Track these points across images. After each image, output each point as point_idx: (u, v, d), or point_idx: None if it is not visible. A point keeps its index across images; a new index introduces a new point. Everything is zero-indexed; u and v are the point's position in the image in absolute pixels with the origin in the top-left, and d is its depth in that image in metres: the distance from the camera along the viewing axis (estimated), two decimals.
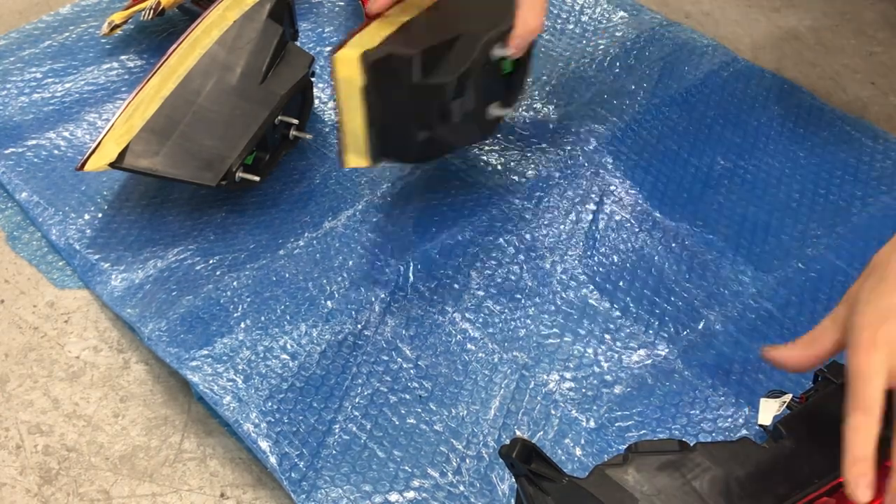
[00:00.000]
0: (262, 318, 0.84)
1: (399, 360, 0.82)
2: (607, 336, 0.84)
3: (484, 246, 0.91)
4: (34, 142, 1.01)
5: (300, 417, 0.77)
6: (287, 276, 0.87)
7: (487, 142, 1.01)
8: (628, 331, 0.84)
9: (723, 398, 0.79)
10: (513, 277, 0.88)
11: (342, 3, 1.17)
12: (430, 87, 0.84)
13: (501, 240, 0.91)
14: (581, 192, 0.96)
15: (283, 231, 0.92)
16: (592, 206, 0.94)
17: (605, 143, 1.00)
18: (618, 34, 1.13)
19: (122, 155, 0.88)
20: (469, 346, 0.83)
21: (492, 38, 0.85)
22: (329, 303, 0.85)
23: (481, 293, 0.87)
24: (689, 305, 0.86)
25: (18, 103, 1.05)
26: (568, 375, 0.81)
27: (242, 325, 0.83)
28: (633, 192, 0.96)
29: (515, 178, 0.97)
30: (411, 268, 0.88)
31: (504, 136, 1.01)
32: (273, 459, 0.74)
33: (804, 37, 1.16)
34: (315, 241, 0.91)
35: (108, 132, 0.89)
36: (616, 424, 0.78)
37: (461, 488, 0.74)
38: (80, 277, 0.89)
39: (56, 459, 0.78)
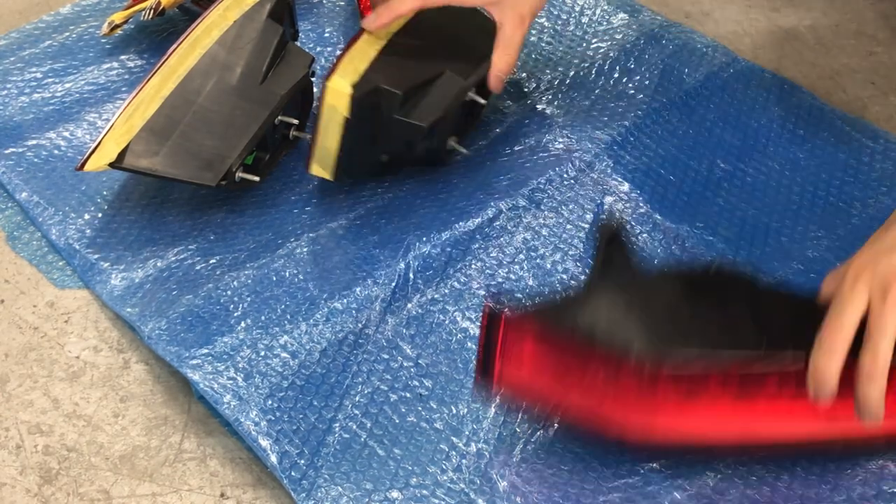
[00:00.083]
0: (263, 317, 0.84)
1: (399, 358, 0.82)
2: None
3: (484, 246, 0.91)
4: (34, 142, 1.01)
5: (300, 416, 0.77)
6: (287, 275, 0.87)
7: (487, 142, 1.01)
8: None
9: None
10: (513, 277, 0.88)
11: (342, 3, 1.17)
12: (406, 124, 0.89)
13: (502, 239, 0.91)
14: (582, 194, 0.96)
15: (283, 231, 0.92)
16: (593, 208, 0.94)
17: (606, 146, 1.00)
18: (618, 36, 1.13)
19: (121, 155, 0.88)
20: (469, 344, 0.83)
21: (472, 83, 0.92)
22: (329, 302, 0.85)
23: (482, 292, 0.87)
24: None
25: (18, 103, 1.05)
26: None
27: (243, 323, 0.83)
28: (633, 194, 0.96)
29: (516, 178, 0.97)
30: (412, 267, 0.88)
31: (504, 137, 1.01)
32: (273, 458, 0.74)
33: (804, 37, 1.16)
34: (315, 241, 0.91)
35: (107, 132, 0.89)
36: None
37: (462, 486, 0.74)
38: (79, 277, 0.89)
39: (56, 459, 0.77)
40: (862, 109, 1.06)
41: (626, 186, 0.96)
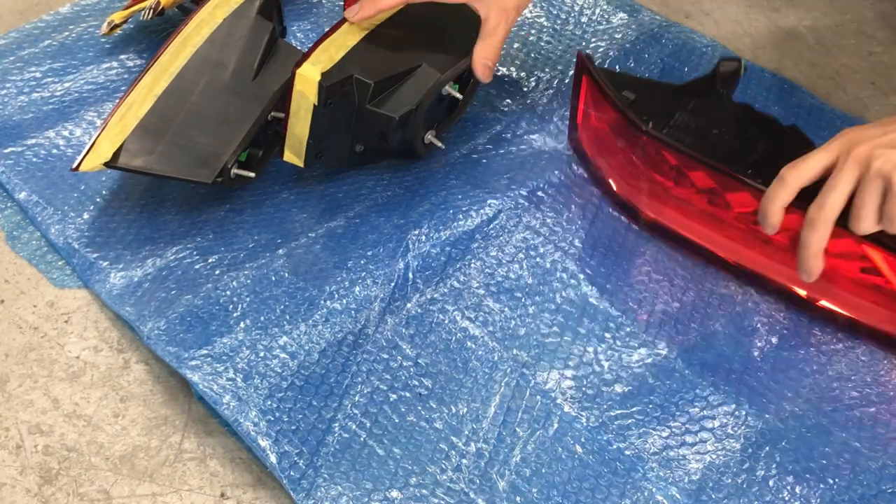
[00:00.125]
0: (262, 318, 0.84)
1: (399, 358, 0.82)
2: (607, 335, 0.84)
3: (484, 245, 0.91)
4: (33, 141, 1.01)
5: (300, 416, 0.77)
6: (286, 275, 0.87)
7: (487, 142, 1.01)
8: (628, 330, 0.84)
9: (724, 396, 0.79)
10: (513, 276, 0.88)
11: (342, 3, 1.17)
12: (378, 115, 0.89)
13: (501, 239, 0.91)
14: (582, 194, 0.96)
15: (282, 230, 0.92)
16: (593, 208, 0.94)
17: None
18: (617, 36, 1.13)
19: (116, 154, 0.88)
20: (469, 344, 0.83)
21: (448, 77, 0.92)
22: (329, 302, 0.85)
23: (481, 291, 0.87)
24: (689, 304, 0.86)
25: (18, 102, 1.05)
26: (568, 374, 0.81)
27: (242, 324, 0.83)
28: None
29: (515, 177, 0.97)
30: (411, 267, 0.88)
31: (504, 137, 1.01)
32: (273, 458, 0.74)
33: (804, 37, 1.16)
34: (314, 241, 0.91)
35: (101, 132, 0.89)
36: (616, 423, 0.78)
37: (461, 485, 0.74)
38: (78, 276, 0.89)
39: (56, 459, 0.77)
40: (862, 109, 1.06)
41: None
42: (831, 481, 0.74)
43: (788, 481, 0.74)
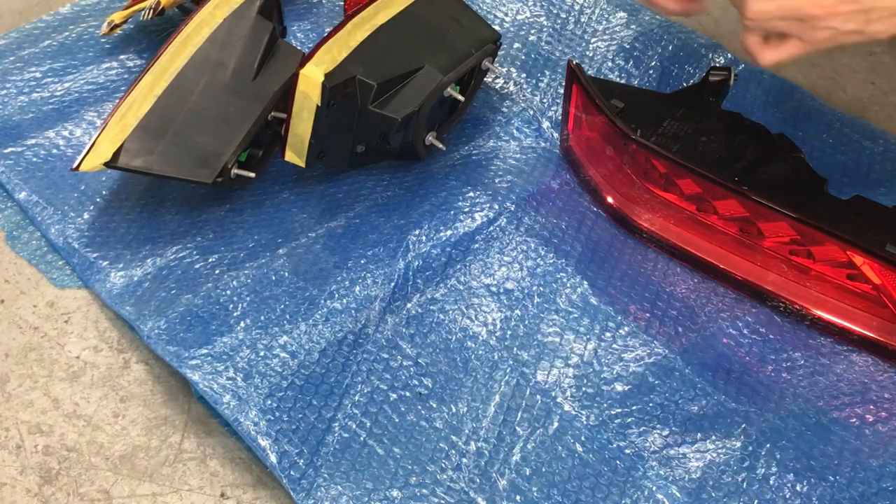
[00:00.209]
0: (262, 317, 0.84)
1: (399, 357, 0.82)
2: (607, 334, 0.84)
3: (485, 246, 0.91)
4: (33, 141, 1.01)
5: (300, 415, 0.77)
6: (286, 274, 0.87)
7: (487, 142, 1.01)
8: (628, 329, 0.84)
9: (724, 395, 0.79)
10: (513, 277, 0.88)
11: (342, 3, 1.17)
12: (380, 116, 0.90)
13: (502, 240, 0.91)
14: (582, 195, 0.96)
15: (282, 230, 0.92)
16: (594, 208, 0.94)
17: None
18: (617, 36, 1.12)
19: (116, 154, 0.88)
20: (469, 343, 0.83)
21: (451, 79, 0.93)
22: (329, 301, 0.85)
23: (482, 292, 0.87)
24: (688, 304, 0.86)
25: (18, 102, 1.05)
26: (568, 373, 0.81)
27: (242, 323, 0.83)
28: None
29: (516, 179, 0.97)
30: (411, 267, 0.88)
31: (505, 139, 1.01)
32: (273, 457, 0.74)
33: None
34: (314, 240, 0.91)
35: (101, 132, 0.89)
36: (616, 421, 0.78)
37: (461, 484, 0.74)
38: (78, 276, 0.89)
39: (56, 459, 0.77)
40: (862, 109, 1.06)
41: None
42: (832, 479, 0.74)
43: (789, 479, 0.74)
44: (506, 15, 1.14)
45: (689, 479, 0.74)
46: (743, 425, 0.77)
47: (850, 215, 0.84)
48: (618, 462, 0.75)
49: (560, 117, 1.02)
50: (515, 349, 0.82)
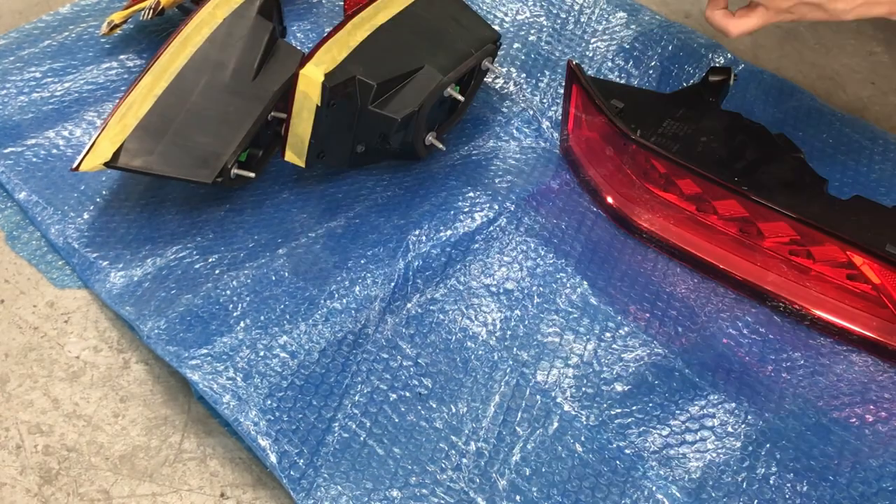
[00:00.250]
0: (262, 317, 0.84)
1: (399, 357, 0.82)
2: (607, 334, 0.84)
3: (484, 246, 0.91)
4: (33, 141, 1.01)
5: (300, 415, 0.77)
6: (286, 274, 0.87)
7: (487, 142, 1.01)
8: (628, 329, 0.84)
9: (724, 395, 0.79)
10: (513, 277, 0.88)
11: (342, 3, 1.17)
12: (380, 116, 0.90)
13: (502, 240, 0.91)
14: (581, 195, 0.96)
15: (282, 230, 0.92)
16: (593, 208, 0.94)
17: None
18: (617, 35, 1.13)
19: (116, 154, 0.88)
20: (469, 343, 0.83)
21: (451, 79, 0.93)
22: (329, 301, 0.85)
23: (482, 292, 0.87)
24: (688, 304, 0.86)
25: (18, 103, 1.05)
26: (568, 373, 0.81)
27: (242, 323, 0.83)
28: None
29: (516, 179, 0.97)
30: (411, 267, 0.88)
31: (505, 139, 1.01)
32: (273, 457, 0.74)
33: (804, 37, 1.16)
34: (314, 240, 0.91)
35: (101, 132, 0.89)
36: (616, 421, 0.78)
37: (461, 484, 0.74)
38: (78, 276, 0.89)
39: (56, 459, 0.77)
40: (862, 109, 1.06)
41: None
42: (832, 479, 0.74)
43: (789, 479, 0.74)
44: (506, 15, 1.14)
45: (689, 479, 0.74)
46: (743, 425, 0.77)
47: (850, 215, 0.84)
48: (618, 462, 0.75)
49: (560, 117, 1.02)
50: (515, 349, 0.82)
